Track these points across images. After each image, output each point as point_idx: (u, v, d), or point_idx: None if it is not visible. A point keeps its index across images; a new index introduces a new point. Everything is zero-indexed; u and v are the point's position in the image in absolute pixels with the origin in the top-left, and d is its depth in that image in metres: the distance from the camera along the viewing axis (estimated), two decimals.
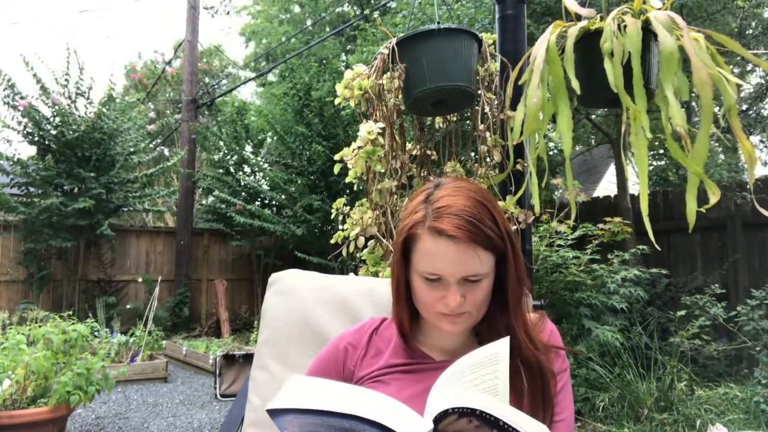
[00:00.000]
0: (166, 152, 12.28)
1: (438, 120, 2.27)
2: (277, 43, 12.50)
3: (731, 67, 5.19)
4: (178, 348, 6.48)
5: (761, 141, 6.85)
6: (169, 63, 12.52)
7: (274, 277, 1.42)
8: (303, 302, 1.35)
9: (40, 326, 3.24)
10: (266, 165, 8.81)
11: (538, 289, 3.72)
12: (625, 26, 1.32)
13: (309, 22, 13.32)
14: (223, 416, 4.22)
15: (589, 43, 1.41)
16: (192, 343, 6.80)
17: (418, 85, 1.86)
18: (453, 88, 1.83)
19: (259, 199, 8.29)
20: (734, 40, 1.32)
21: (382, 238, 1.98)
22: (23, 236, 7.13)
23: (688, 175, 1.24)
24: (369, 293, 1.31)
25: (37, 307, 5.92)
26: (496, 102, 2.03)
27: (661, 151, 8.02)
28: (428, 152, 2.22)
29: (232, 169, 8.59)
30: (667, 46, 1.22)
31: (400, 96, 1.99)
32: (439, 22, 1.91)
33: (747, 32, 5.27)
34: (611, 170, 10.29)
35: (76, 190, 7.06)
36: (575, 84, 1.33)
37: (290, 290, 1.38)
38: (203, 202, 9.85)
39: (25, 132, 6.92)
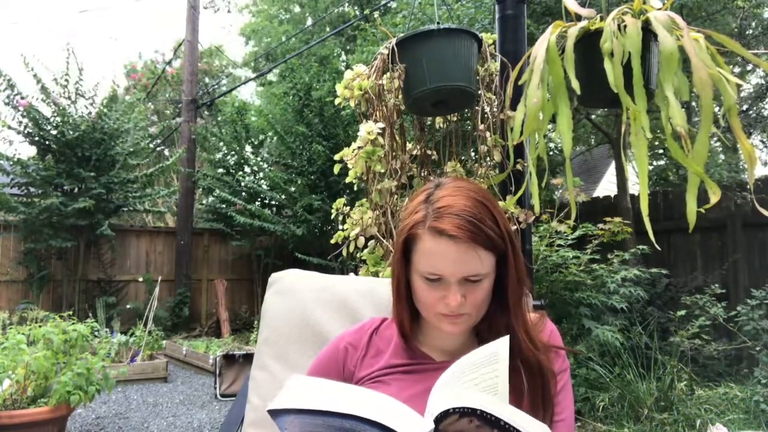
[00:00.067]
0: (167, 152, 12.28)
1: (438, 120, 2.27)
2: (277, 43, 12.50)
3: (731, 67, 5.20)
4: (178, 348, 6.48)
5: (761, 141, 6.85)
6: (169, 63, 12.52)
7: (274, 277, 1.42)
8: (303, 302, 1.35)
9: (40, 326, 3.24)
10: (266, 165, 8.81)
11: (538, 289, 3.72)
12: (625, 26, 1.32)
13: (309, 22, 13.33)
14: (223, 416, 4.22)
15: (589, 43, 1.41)
16: (192, 343, 6.81)
17: (418, 85, 1.86)
18: (453, 88, 1.83)
19: (259, 199, 8.29)
20: (734, 40, 1.32)
21: (382, 238, 1.98)
22: (23, 236, 7.13)
23: (688, 175, 1.24)
24: (369, 293, 1.31)
25: (37, 307, 5.92)
26: (496, 102, 2.03)
27: (661, 151, 8.02)
28: (428, 152, 2.22)
29: (232, 169, 8.59)
30: (667, 46, 1.22)
31: (400, 96, 1.99)
32: (439, 22, 1.91)
33: (747, 32, 5.27)
34: (611, 170, 10.29)
35: (76, 190, 7.06)
36: (575, 84, 1.33)
37: (290, 290, 1.38)
38: (203, 202, 9.86)
39: (25, 132, 6.92)
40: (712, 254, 5.21)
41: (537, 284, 3.74)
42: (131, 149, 7.59)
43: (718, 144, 6.05)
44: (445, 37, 1.83)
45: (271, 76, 12.64)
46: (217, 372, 4.86)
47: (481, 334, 0.96)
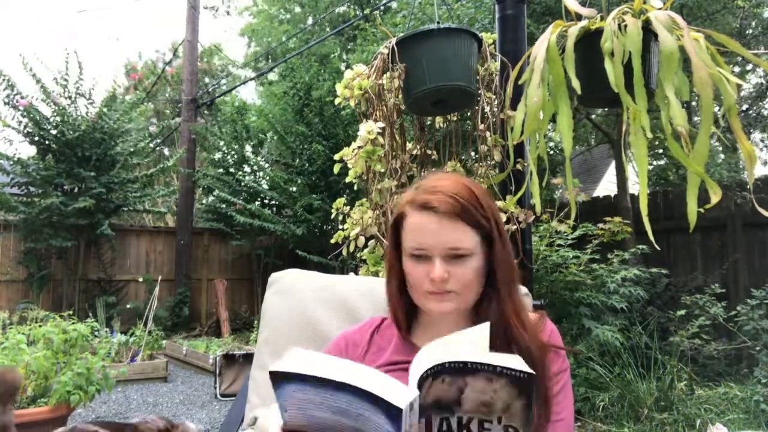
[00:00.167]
0: (166, 152, 12.28)
1: (438, 120, 2.27)
2: (278, 43, 12.50)
3: (731, 67, 5.20)
4: (178, 348, 6.48)
5: (761, 141, 6.85)
6: (169, 63, 12.51)
7: (274, 276, 1.42)
8: (303, 302, 1.35)
9: (40, 326, 3.24)
10: (266, 165, 8.81)
11: (538, 288, 3.72)
12: (625, 26, 1.32)
13: (309, 21, 13.33)
14: (223, 416, 4.21)
15: (589, 43, 1.41)
16: (192, 342, 6.81)
17: (418, 85, 1.86)
18: (453, 87, 1.83)
19: (259, 199, 8.29)
20: (734, 40, 1.32)
21: (382, 238, 1.98)
22: (23, 236, 7.13)
23: (688, 175, 1.24)
24: (369, 293, 1.31)
25: (37, 307, 5.92)
26: (496, 102, 2.03)
27: (661, 151, 8.02)
28: (428, 152, 2.22)
29: (232, 169, 8.59)
30: (668, 46, 1.22)
31: (400, 96, 1.99)
32: (439, 22, 1.91)
33: (747, 32, 5.27)
34: (611, 170, 10.29)
35: (76, 189, 7.06)
36: (575, 84, 1.33)
37: (290, 290, 1.38)
38: (203, 201, 9.86)
39: (25, 132, 6.92)
40: (712, 254, 5.21)
41: (537, 284, 3.74)
42: (131, 149, 7.59)
43: (718, 144, 6.05)
44: (445, 36, 1.83)
45: (271, 76, 12.64)
46: (217, 372, 4.86)
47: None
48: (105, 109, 7.22)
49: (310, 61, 8.66)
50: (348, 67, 4.17)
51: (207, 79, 12.84)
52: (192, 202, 9.06)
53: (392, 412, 0.64)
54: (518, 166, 1.94)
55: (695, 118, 5.86)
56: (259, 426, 1.19)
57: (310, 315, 1.33)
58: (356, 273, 2.06)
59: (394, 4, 7.23)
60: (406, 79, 1.90)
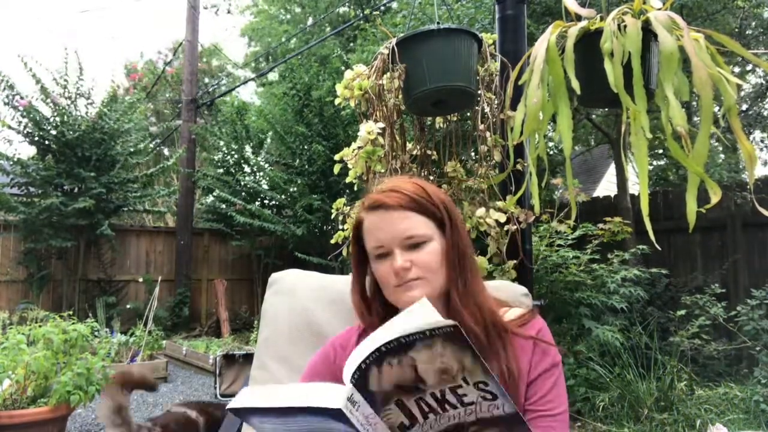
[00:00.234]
0: (166, 152, 12.28)
1: (438, 120, 2.27)
2: (278, 43, 12.50)
3: (731, 67, 5.20)
4: (178, 348, 6.48)
5: (761, 141, 6.85)
6: (169, 63, 12.51)
7: (274, 277, 1.42)
8: (303, 302, 1.35)
9: (40, 326, 3.24)
10: (266, 165, 8.81)
11: (538, 289, 3.72)
12: (625, 26, 1.32)
13: (309, 21, 13.33)
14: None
15: (589, 43, 1.41)
16: (192, 342, 6.80)
17: (418, 85, 1.86)
18: (453, 88, 1.82)
19: (259, 199, 8.29)
20: (734, 40, 1.32)
21: None
22: (23, 236, 7.13)
23: (688, 175, 1.24)
24: None
25: (37, 307, 5.91)
26: (496, 102, 2.03)
27: (661, 151, 8.02)
28: (428, 152, 2.22)
29: (232, 169, 8.59)
30: (667, 46, 1.22)
31: (400, 96, 1.99)
32: (439, 22, 1.91)
33: (747, 32, 5.27)
34: (611, 170, 10.29)
35: (76, 189, 7.06)
36: (575, 84, 1.33)
37: (290, 290, 1.38)
38: (203, 201, 9.85)
39: (25, 132, 6.92)
40: (712, 254, 5.21)
41: (537, 284, 3.74)
42: (131, 149, 7.59)
43: (718, 144, 6.05)
44: (445, 37, 1.83)
45: (271, 76, 12.65)
46: (217, 372, 4.86)
47: (453, 311, 0.97)
48: (105, 109, 7.22)
49: (310, 61, 8.66)
50: (348, 67, 4.17)
51: (207, 80, 12.84)
52: (192, 202, 9.06)
53: (337, 416, 0.66)
54: (518, 167, 1.94)
55: (695, 118, 5.86)
56: None
57: (310, 315, 1.33)
58: None
59: (394, 5, 7.23)
60: (406, 80, 1.90)
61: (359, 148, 1.95)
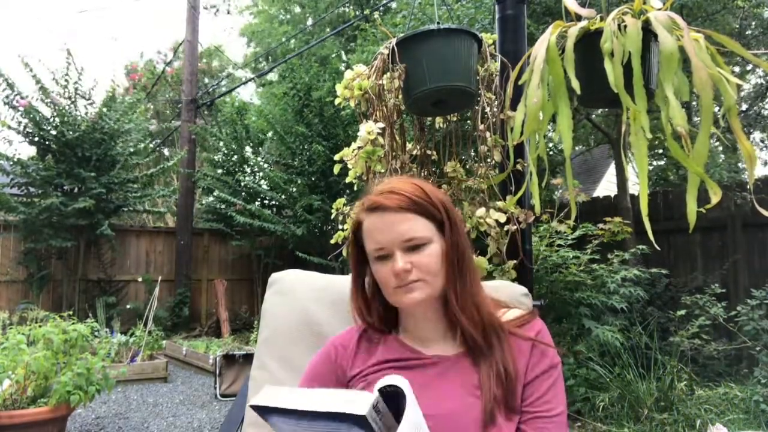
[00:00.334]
0: (166, 152, 12.27)
1: (438, 120, 2.27)
2: (277, 44, 12.50)
3: (731, 67, 5.20)
4: (178, 348, 6.48)
5: (761, 141, 6.85)
6: (169, 63, 12.51)
7: (274, 277, 1.42)
8: (303, 302, 1.35)
9: (40, 326, 3.24)
10: (266, 165, 8.81)
11: (538, 289, 3.72)
12: (625, 26, 1.32)
13: (309, 22, 13.33)
14: (223, 416, 4.22)
15: (589, 43, 1.41)
16: (192, 343, 6.80)
17: (418, 85, 1.86)
18: (453, 88, 1.82)
19: (259, 199, 8.29)
20: (734, 40, 1.32)
21: None
22: (23, 236, 7.13)
23: (688, 175, 1.23)
24: None
25: (37, 307, 5.92)
26: (496, 102, 2.03)
27: (661, 151, 8.02)
28: (428, 152, 2.21)
29: (232, 170, 8.59)
30: (667, 46, 1.22)
31: (400, 96, 1.99)
32: (439, 22, 1.90)
33: (747, 32, 5.27)
34: (611, 170, 10.29)
35: (76, 190, 7.06)
36: (575, 84, 1.33)
37: (290, 290, 1.38)
38: (203, 201, 9.85)
39: (25, 132, 6.92)
40: (712, 254, 5.21)
41: (537, 284, 3.74)
42: (131, 149, 7.59)
43: (718, 144, 6.05)
44: (445, 37, 1.83)
45: (271, 77, 12.65)
46: (217, 372, 4.86)
47: (451, 312, 0.97)
48: (105, 110, 7.22)
49: (310, 61, 8.66)
50: (348, 67, 4.17)
51: (207, 80, 12.84)
52: (192, 202, 9.06)
53: (360, 423, 0.67)
54: (518, 167, 1.94)
55: (695, 119, 5.86)
56: None
57: (310, 315, 1.33)
58: None
59: (394, 5, 7.23)
60: (406, 80, 1.90)
61: (359, 148, 1.95)
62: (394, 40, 1.94)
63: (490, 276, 1.90)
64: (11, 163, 6.75)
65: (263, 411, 0.74)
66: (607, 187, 10.24)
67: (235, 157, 8.56)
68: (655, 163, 8.62)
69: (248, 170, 8.67)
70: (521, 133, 1.48)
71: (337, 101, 2.09)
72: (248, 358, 4.85)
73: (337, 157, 2.08)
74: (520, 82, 1.55)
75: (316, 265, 6.90)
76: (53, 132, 6.90)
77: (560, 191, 5.39)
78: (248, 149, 8.82)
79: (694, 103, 5.46)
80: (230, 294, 8.26)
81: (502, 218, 1.86)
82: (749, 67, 6.18)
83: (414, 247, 0.93)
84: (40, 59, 7.60)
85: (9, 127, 6.84)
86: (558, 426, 0.92)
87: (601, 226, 3.94)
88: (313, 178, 7.47)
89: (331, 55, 10.30)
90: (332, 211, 2.21)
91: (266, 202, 8.35)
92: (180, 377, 5.70)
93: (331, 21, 12.40)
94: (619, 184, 5.81)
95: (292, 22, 13.88)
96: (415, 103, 1.93)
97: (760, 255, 4.95)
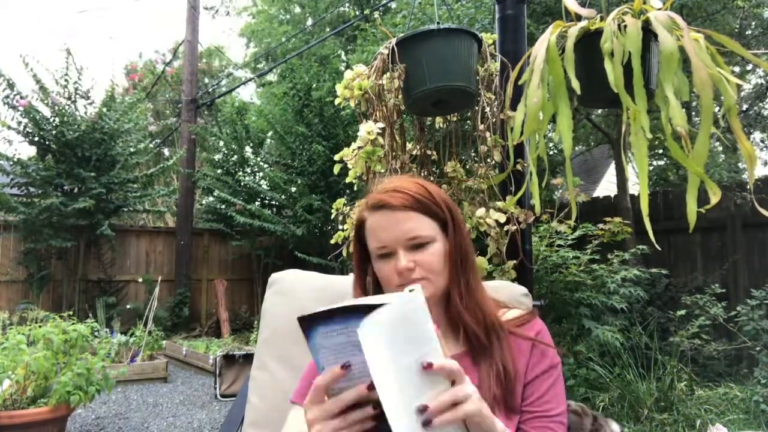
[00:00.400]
0: (166, 152, 12.27)
1: (438, 120, 2.27)
2: (277, 44, 12.50)
3: (731, 67, 5.19)
4: (178, 348, 6.48)
5: (761, 141, 6.85)
6: (168, 63, 12.51)
7: (274, 277, 1.42)
8: (303, 302, 1.35)
9: (40, 326, 3.24)
10: (266, 165, 8.81)
11: (538, 289, 3.72)
12: (625, 26, 1.32)
13: (309, 22, 13.33)
14: (223, 416, 4.21)
15: (589, 43, 1.41)
16: (192, 343, 6.80)
17: (418, 85, 1.86)
18: (453, 88, 1.82)
19: (258, 199, 8.29)
20: (734, 40, 1.32)
21: None
22: (23, 236, 7.13)
23: (688, 176, 1.24)
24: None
25: (37, 307, 5.92)
26: (496, 102, 2.03)
27: (661, 151, 8.02)
28: (428, 152, 2.21)
29: (232, 170, 8.59)
30: (668, 46, 1.22)
31: (400, 96, 1.99)
32: (438, 22, 1.90)
33: (747, 32, 5.27)
34: (611, 170, 10.29)
35: (76, 190, 7.06)
36: (575, 84, 1.33)
37: (290, 290, 1.38)
38: (203, 201, 9.85)
39: (25, 132, 6.92)
40: (712, 254, 5.21)
41: (537, 284, 3.74)
42: (131, 149, 7.59)
43: (718, 144, 6.05)
44: (445, 37, 1.83)
45: (271, 77, 12.64)
46: (217, 372, 4.86)
47: (454, 311, 0.97)
48: (105, 110, 7.22)
49: (310, 61, 8.66)
50: (348, 67, 4.17)
51: (207, 80, 12.84)
52: (192, 202, 9.06)
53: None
54: (518, 167, 1.94)
55: (695, 119, 5.86)
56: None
57: None
58: None
59: (394, 4, 7.23)
60: (406, 80, 1.90)
61: (359, 148, 1.95)
62: (394, 40, 1.94)
63: (490, 276, 1.90)
64: (11, 163, 6.75)
65: (309, 324, 0.72)
66: (607, 187, 10.24)
67: (235, 157, 8.57)
68: (655, 163, 8.62)
69: (248, 170, 8.67)
70: (521, 133, 1.48)
71: (337, 101, 2.10)
72: (248, 358, 4.85)
73: (337, 157, 2.08)
74: (520, 82, 1.55)
75: (315, 265, 6.90)
76: (53, 132, 6.90)
77: (560, 191, 5.38)
78: (248, 149, 8.82)
79: (694, 103, 5.46)
80: (230, 294, 8.27)
81: (502, 218, 1.86)
82: (749, 67, 6.18)
83: (417, 245, 0.93)
84: (40, 59, 7.62)
85: (9, 127, 6.84)
86: (558, 425, 0.92)
87: (601, 226, 3.94)
88: (313, 178, 7.47)
89: (331, 55, 10.29)
90: (332, 211, 2.21)
91: (266, 202, 8.36)
92: (180, 377, 5.70)
93: (331, 21, 12.40)
94: (619, 184, 5.81)
95: (292, 22, 13.87)
96: (415, 103, 1.93)
97: (760, 255, 4.95)
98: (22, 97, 6.76)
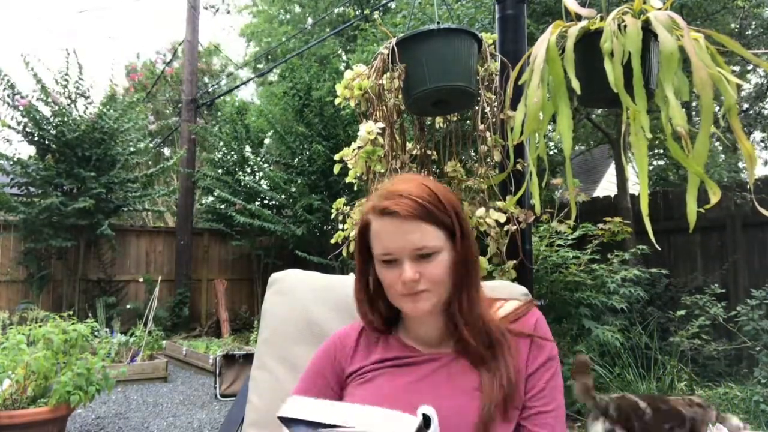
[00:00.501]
0: (167, 152, 12.27)
1: (438, 120, 2.27)
2: (278, 43, 12.50)
3: (731, 67, 5.19)
4: (178, 348, 6.48)
5: (762, 141, 6.85)
6: (168, 63, 12.51)
7: (275, 277, 1.42)
8: (303, 302, 1.35)
9: (40, 326, 3.24)
10: (266, 165, 8.81)
11: (538, 289, 3.72)
12: (625, 26, 1.32)
13: (309, 22, 13.33)
14: (223, 416, 4.22)
15: (589, 43, 1.41)
16: (192, 343, 6.80)
17: (418, 85, 1.86)
18: (453, 88, 1.82)
19: (258, 199, 8.29)
20: (734, 40, 1.32)
21: None
22: (23, 236, 7.13)
23: (688, 175, 1.24)
24: None
25: (37, 307, 5.92)
26: (496, 102, 2.03)
27: (661, 151, 8.02)
28: (428, 152, 2.22)
29: (232, 169, 8.59)
30: (667, 46, 1.22)
31: (400, 96, 1.99)
32: (439, 22, 1.91)
33: (747, 32, 5.27)
34: (611, 170, 10.29)
35: (76, 189, 7.06)
36: (575, 84, 1.33)
37: (290, 290, 1.38)
38: (203, 201, 9.85)
39: (24, 132, 6.92)
40: (712, 254, 5.21)
41: (537, 284, 3.74)
42: (131, 149, 7.59)
43: (718, 144, 6.05)
44: (445, 37, 1.83)
45: (271, 76, 12.64)
46: (217, 372, 4.86)
47: (453, 319, 0.97)
48: (104, 109, 7.22)
49: (310, 61, 8.66)
50: (348, 67, 4.17)
51: (206, 79, 12.84)
52: (192, 202, 9.06)
53: None
54: (518, 167, 1.94)
55: (695, 118, 5.86)
56: None
57: (311, 315, 1.33)
58: None
59: (393, 4, 7.23)
60: (406, 80, 1.90)
61: (359, 148, 1.95)
62: (394, 40, 1.94)
63: (490, 276, 1.90)
64: (11, 162, 6.75)
65: (290, 423, 0.72)
66: (607, 187, 10.23)
67: (235, 156, 8.56)
68: (655, 163, 8.62)
69: (248, 170, 8.67)
70: (521, 133, 1.48)
71: (337, 101, 2.10)
72: (248, 358, 4.85)
73: (337, 157, 2.08)
74: (520, 82, 1.55)
75: (316, 265, 6.90)
76: (53, 132, 6.90)
77: (560, 191, 5.38)
78: (248, 149, 8.82)
79: (694, 103, 5.46)
80: (230, 294, 8.26)
81: (502, 218, 1.86)
82: (749, 67, 6.17)
83: (423, 255, 0.91)
84: (40, 59, 7.60)
85: (9, 127, 6.84)
86: (556, 419, 0.92)
87: (601, 226, 3.94)
88: (313, 178, 7.47)
89: (331, 55, 10.29)
90: (332, 211, 2.21)
91: (266, 201, 8.35)
92: (180, 377, 5.70)
93: (331, 21, 12.40)
94: (619, 184, 5.81)
95: (292, 22, 13.87)
96: (415, 103, 1.93)
97: (760, 255, 4.95)
98: (22, 97, 6.76)
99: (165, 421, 4.07)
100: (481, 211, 1.88)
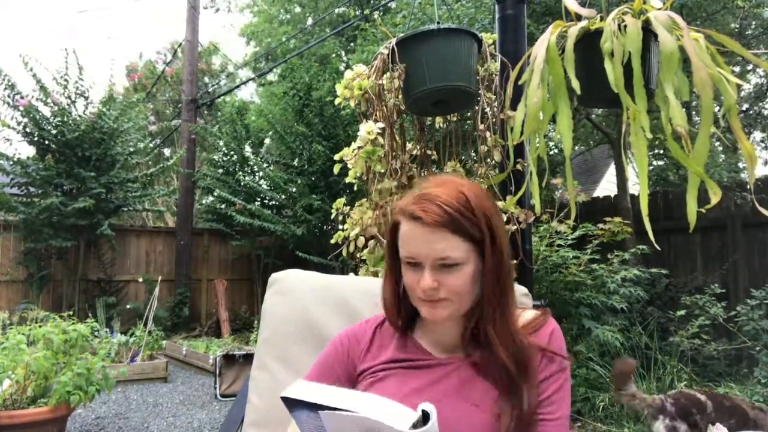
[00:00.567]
0: (167, 152, 12.27)
1: (438, 120, 2.27)
2: (278, 44, 12.50)
3: (731, 67, 5.19)
4: (178, 348, 6.48)
5: (762, 141, 6.85)
6: (168, 63, 12.51)
7: (275, 277, 1.42)
8: (303, 302, 1.35)
9: (40, 326, 3.24)
10: (266, 165, 8.81)
11: (538, 289, 3.72)
12: (625, 26, 1.32)
13: (309, 22, 13.33)
14: (223, 416, 4.21)
15: (589, 43, 1.41)
16: (192, 343, 6.80)
17: (418, 85, 1.86)
18: (453, 88, 1.82)
19: (258, 199, 8.29)
20: (734, 40, 1.32)
21: (381, 238, 1.98)
22: (23, 236, 7.13)
23: (688, 175, 1.24)
24: (369, 293, 1.31)
25: (37, 307, 5.92)
26: (496, 102, 2.03)
27: (661, 151, 8.01)
28: (428, 152, 2.22)
29: (232, 169, 8.59)
30: (668, 46, 1.22)
31: (400, 96, 1.99)
32: (439, 22, 1.91)
33: (747, 32, 5.27)
34: (611, 170, 10.29)
35: (75, 189, 7.06)
36: (575, 84, 1.33)
37: (290, 290, 1.38)
38: (203, 201, 9.85)
39: (24, 132, 6.92)
40: (712, 254, 5.21)
41: (537, 284, 3.74)
42: (131, 149, 7.59)
43: (718, 144, 6.05)
44: (445, 37, 1.83)
45: (271, 76, 12.64)
46: (217, 372, 4.86)
47: (466, 323, 0.96)
48: (104, 109, 7.22)
49: (310, 61, 8.66)
50: (348, 67, 4.17)
51: (206, 79, 12.84)
52: (192, 202, 9.06)
53: None
54: (518, 167, 1.94)
55: (695, 118, 5.86)
56: None
57: (311, 315, 1.33)
58: (356, 273, 2.06)
59: (393, 4, 7.23)
60: (406, 80, 1.90)
61: (359, 148, 1.95)
62: (394, 40, 1.94)
63: None
64: (11, 162, 6.75)
65: (294, 405, 0.73)
66: (607, 187, 10.23)
67: (235, 156, 8.56)
68: (655, 163, 8.61)
69: (248, 170, 8.67)
70: (521, 133, 1.48)
71: (337, 101, 2.10)
72: (248, 358, 4.85)
73: (337, 157, 2.08)
74: (520, 82, 1.55)
75: (316, 265, 6.90)
76: (53, 132, 6.90)
77: (560, 191, 5.38)
78: (248, 149, 8.82)
79: (694, 103, 5.46)
80: (230, 294, 8.26)
81: (502, 219, 1.86)
82: (749, 67, 6.17)
83: (446, 266, 0.89)
84: (39, 60, 7.60)
85: (9, 127, 6.84)
86: (560, 428, 0.92)
87: (601, 226, 3.94)
88: (313, 178, 7.47)
89: (331, 55, 10.29)
90: (332, 211, 2.21)
91: (266, 202, 8.35)
92: (180, 377, 5.70)
93: (331, 21, 12.40)
94: (619, 184, 5.81)
95: (292, 22, 13.87)
96: (415, 103, 1.93)
97: (760, 255, 4.95)
98: (22, 97, 6.75)
99: (165, 421, 4.07)
100: None
